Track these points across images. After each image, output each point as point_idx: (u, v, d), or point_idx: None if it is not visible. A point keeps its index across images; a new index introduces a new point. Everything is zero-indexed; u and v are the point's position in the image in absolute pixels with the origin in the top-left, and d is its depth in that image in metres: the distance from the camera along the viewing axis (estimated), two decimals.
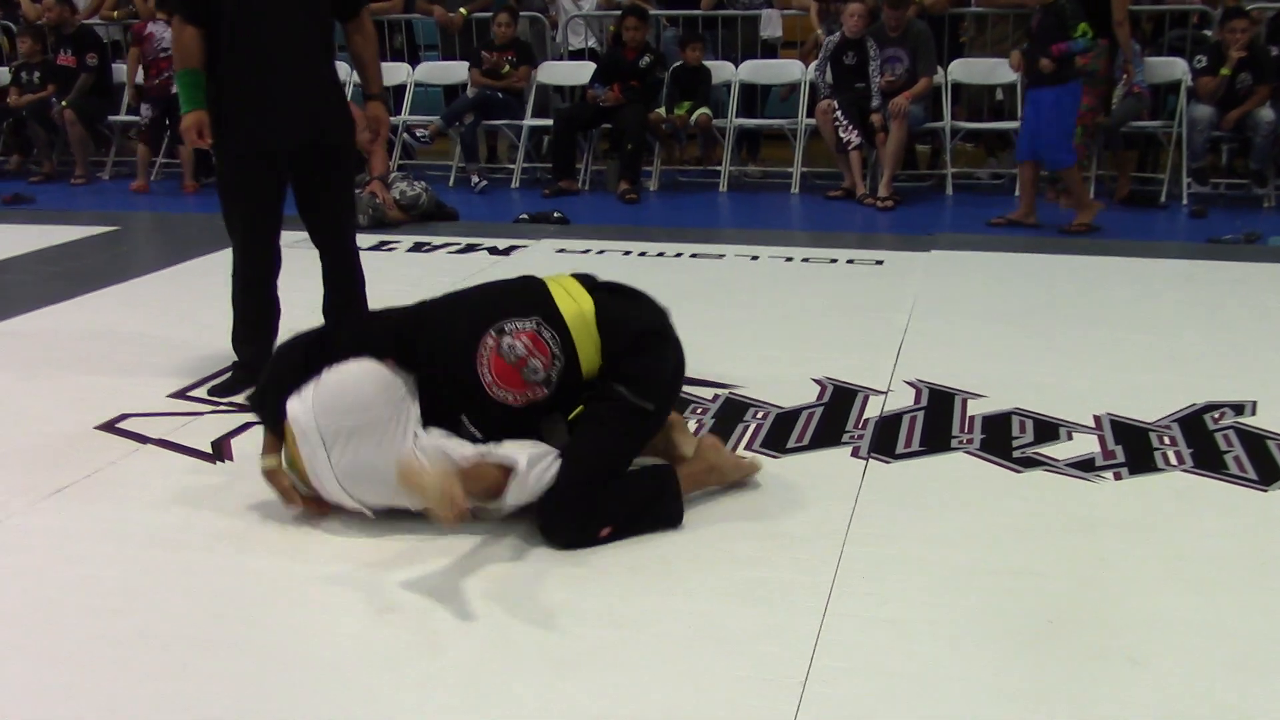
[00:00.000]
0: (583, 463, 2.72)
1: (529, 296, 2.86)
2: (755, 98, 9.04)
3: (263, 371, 3.00)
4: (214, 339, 4.01)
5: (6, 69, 9.69)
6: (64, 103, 9.02)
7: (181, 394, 3.83)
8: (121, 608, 2.46)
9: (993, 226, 6.67)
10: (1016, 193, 7.03)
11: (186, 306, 5.01)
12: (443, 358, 2.79)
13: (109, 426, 3.53)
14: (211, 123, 3.59)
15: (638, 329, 2.90)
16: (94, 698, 2.14)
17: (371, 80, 3.87)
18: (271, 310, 3.86)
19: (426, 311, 2.95)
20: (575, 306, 2.83)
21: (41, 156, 9.47)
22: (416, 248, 6.25)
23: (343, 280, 3.90)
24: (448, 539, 2.72)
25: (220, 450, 3.35)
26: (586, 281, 2.95)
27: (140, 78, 9.03)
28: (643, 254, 6.01)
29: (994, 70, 8.11)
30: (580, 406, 2.80)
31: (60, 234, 6.76)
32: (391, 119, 9.01)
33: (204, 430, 3.49)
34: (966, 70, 8.19)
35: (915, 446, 3.31)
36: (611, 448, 2.81)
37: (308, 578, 2.59)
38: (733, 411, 3.59)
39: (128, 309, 5.09)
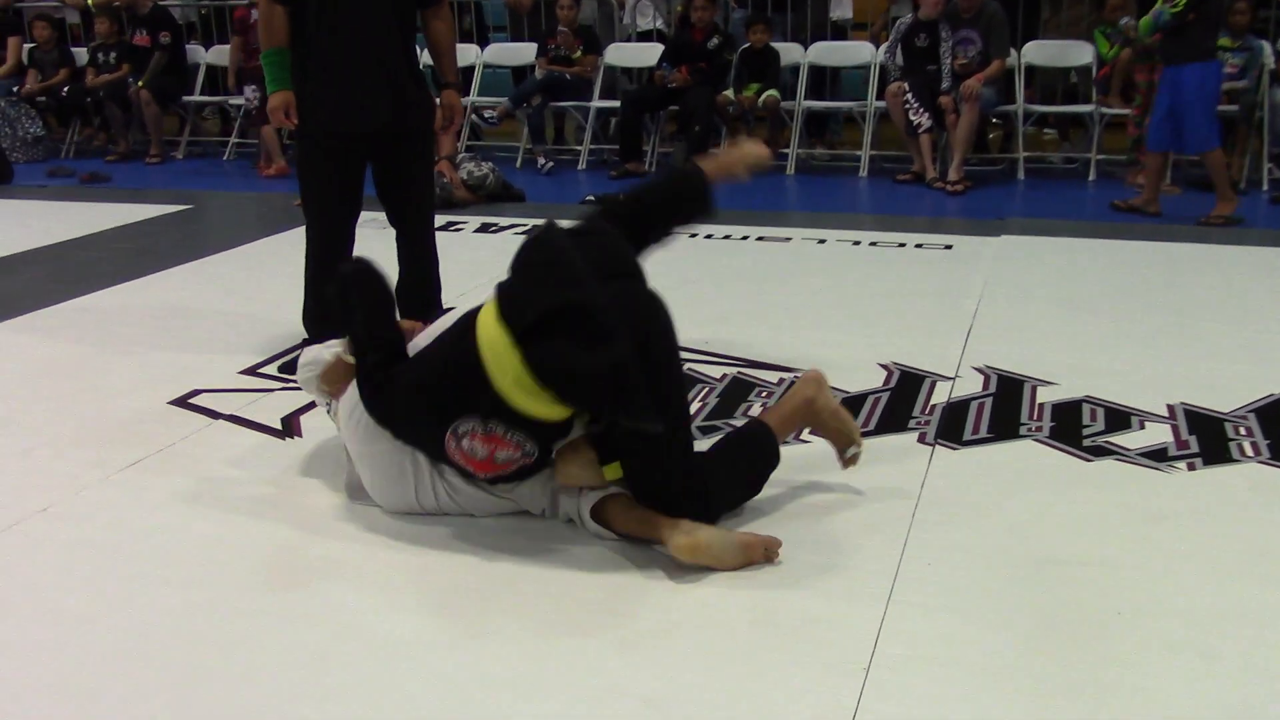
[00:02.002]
0: (653, 494, 2.60)
1: (466, 382, 2.47)
2: (824, 80, 8.96)
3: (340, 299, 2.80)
4: (285, 316, 4.06)
5: (84, 50, 9.86)
6: (139, 83, 9.17)
7: (253, 370, 3.89)
8: (193, 580, 2.50)
9: (1115, 210, 6.53)
10: (1137, 180, 6.84)
11: (258, 284, 5.08)
12: (421, 448, 2.68)
13: (182, 402, 3.59)
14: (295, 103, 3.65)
15: (573, 368, 2.40)
16: (168, 669, 2.18)
17: (448, 68, 3.89)
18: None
19: (394, 399, 2.64)
20: (509, 378, 2.41)
21: (117, 136, 9.63)
22: (483, 228, 6.28)
23: (418, 263, 3.93)
24: (504, 522, 2.74)
25: (290, 427, 3.39)
26: (512, 315, 2.49)
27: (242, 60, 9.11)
28: (708, 236, 5.99)
29: (1069, 52, 7.97)
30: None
31: (135, 212, 6.88)
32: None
33: (274, 407, 3.53)
34: (1041, 52, 8.05)
35: (983, 433, 3.27)
36: (660, 470, 2.58)
37: (371, 556, 2.61)
38: None
39: (201, 286, 5.17)
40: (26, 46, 9.91)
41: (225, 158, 9.44)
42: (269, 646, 2.24)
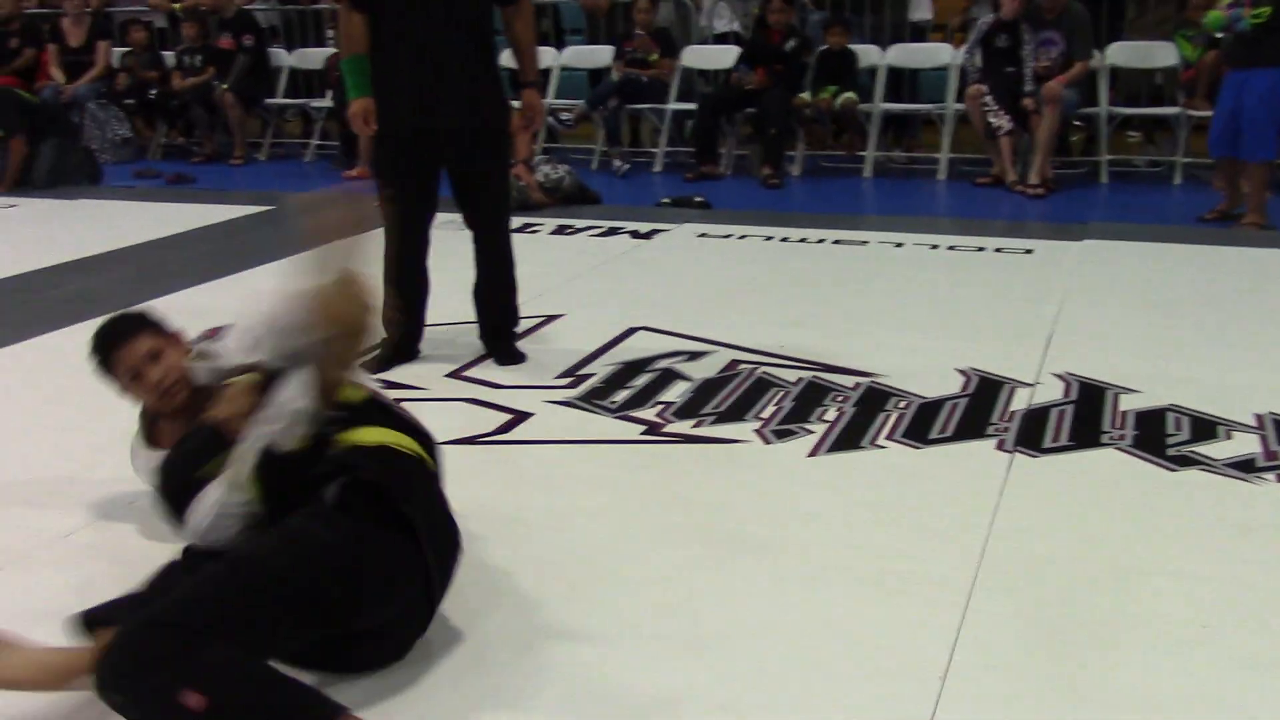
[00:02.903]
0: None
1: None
2: (902, 82, 8.88)
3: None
4: None
5: (171, 53, 10.07)
6: (224, 85, 9.35)
7: None
8: None
9: (1205, 222, 6.38)
10: (1216, 184, 6.69)
11: None
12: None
13: None
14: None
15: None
16: None
17: (528, 67, 3.91)
18: (421, 290, 3.95)
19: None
20: None
21: (202, 138, 9.82)
22: (559, 230, 6.31)
23: (495, 264, 3.96)
24: (579, 522, 2.75)
25: None
26: None
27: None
28: (784, 239, 5.97)
29: (1154, 53, 7.82)
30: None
31: (219, 213, 7.01)
32: None
33: None
34: (1125, 53, 7.91)
35: (1063, 441, 3.21)
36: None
37: None
38: (874, 400, 3.54)
39: (283, 286, 5.24)
40: (118, 50, 10.14)
41: (306, 159, 9.58)
42: None
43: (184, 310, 4.72)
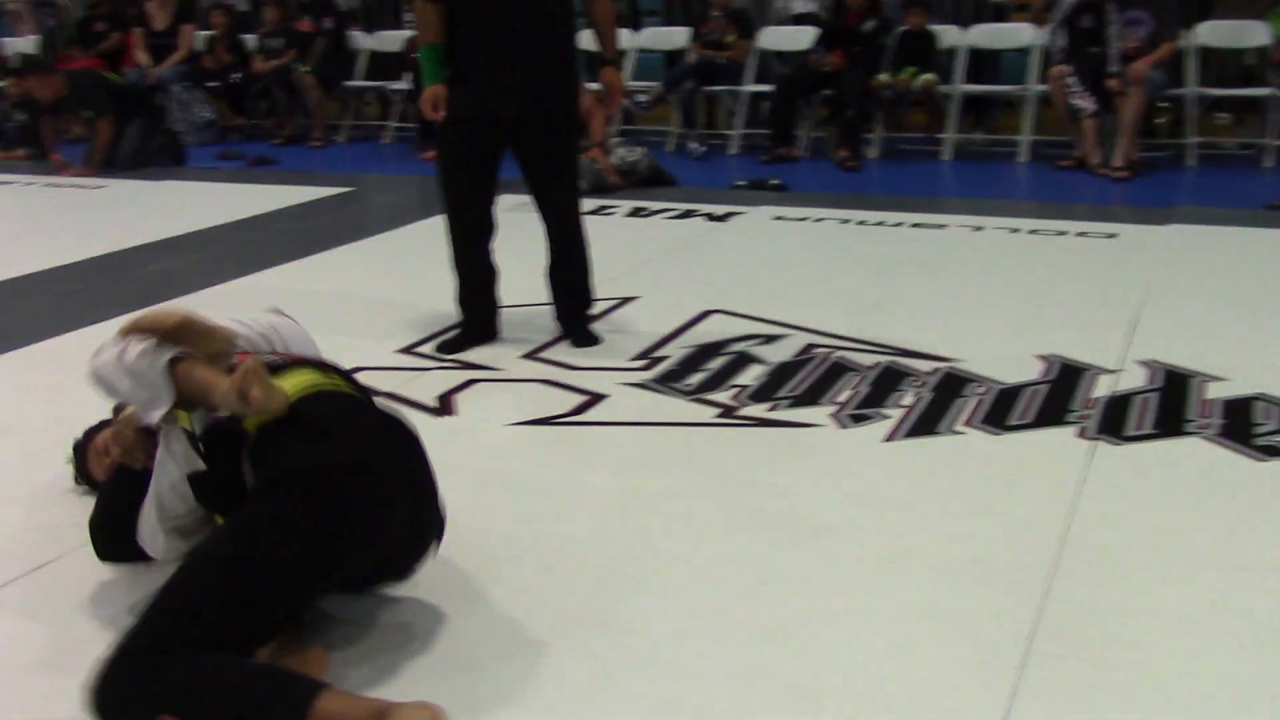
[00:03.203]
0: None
1: None
2: (983, 63, 8.75)
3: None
4: (442, 297, 4.14)
5: (253, 36, 10.21)
6: (304, 68, 9.46)
7: (409, 349, 3.98)
8: None
9: (1274, 209, 6.19)
10: None
11: (416, 265, 5.19)
12: None
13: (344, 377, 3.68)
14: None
15: None
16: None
17: (607, 46, 3.91)
18: (489, 273, 3.99)
19: None
20: None
21: (283, 119, 9.95)
22: (635, 213, 6.31)
23: (566, 246, 3.97)
24: (652, 504, 2.75)
25: (446, 405, 3.46)
26: None
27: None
28: (861, 222, 5.91)
29: (1245, 33, 7.62)
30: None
31: (299, 194, 7.10)
32: None
33: (431, 385, 3.61)
34: (1215, 33, 7.71)
35: (1147, 429, 3.15)
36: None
37: (524, 531, 2.65)
38: (952, 386, 3.50)
39: (361, 267, 5.31)
40: (201, 34, 10.31)
41: (385, 141, 9.67)
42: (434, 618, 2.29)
43: (264, 290, 4.83)
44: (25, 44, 10.90)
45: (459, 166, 3.84)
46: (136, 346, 2.18)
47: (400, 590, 2.36)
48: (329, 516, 2.01)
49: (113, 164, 8.14)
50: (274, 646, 2.01)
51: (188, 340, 2.22)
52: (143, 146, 8.34)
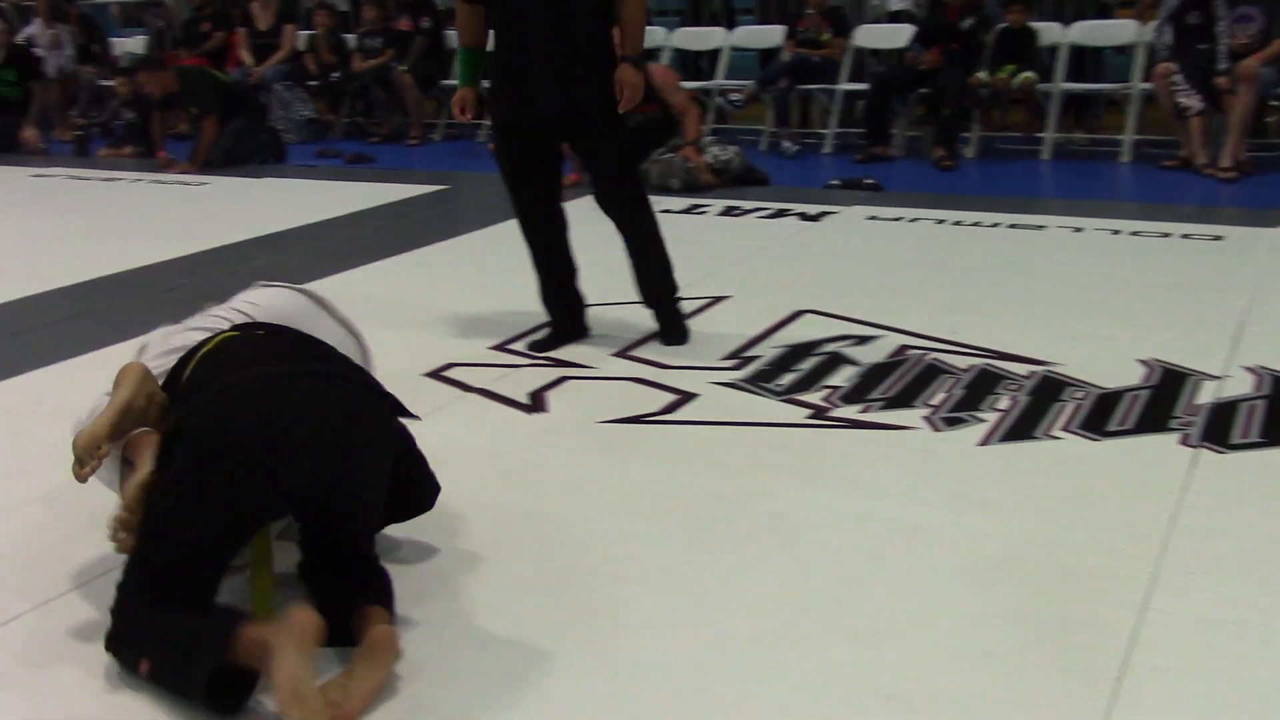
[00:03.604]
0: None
1: None
2: (1085, 60, 8.58)
3: None
4: (534, 295, 4.16)
5: (353, 36, 10.38)
6: (402, 67, 9.59)
7: (502, 346, 4.01)
8: (443, 549, 2.59)
9: None
10: None
11: (509, 263, 5.22)
12: None
13: (436, 374, 3.74)
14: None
15: None
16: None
17: (624, 41, 3.79)
18: (565, 271, 4.02)
19: None
20: None
21: (381, 118, 10.10)
22: (727, 211, 6.29)
23: (636, 242, 3.95)
24: (741, 504, 2.74)
25: (537, 402, 3.49)
26: None
27: None
28: (957, 223, 5.83)
29: None
30: None
31: (396, 191, 7.21)
32: (705, 83, 9.19)
33: (523, 382, 3.64)
34: None
35: (1253, 437, 3.06)
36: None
37: (612, 528, 2.66)
38: (1049, 390, 3.43)
39: (455, 264, 5.37)
40: (303, 34, 10.50)
41: (480, 140, 9.76)
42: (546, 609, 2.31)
43: (362, 285, 4.91)
44: (134, 44, 11.20)
45: (509, 169, 3.89)
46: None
47: (490, 581, 2.39)
48: (191, 470, 2.10)
49: (216, 161, 8.33)
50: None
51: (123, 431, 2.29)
52: (245, 144, 8.53)
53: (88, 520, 2.59)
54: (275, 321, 2.54)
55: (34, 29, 10.74)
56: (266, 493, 2.14)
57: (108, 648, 2.12)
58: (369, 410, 2.28)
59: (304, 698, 1.86)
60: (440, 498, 2.61)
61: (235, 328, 2.48)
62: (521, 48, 3.70)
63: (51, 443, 2.82)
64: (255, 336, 2.43)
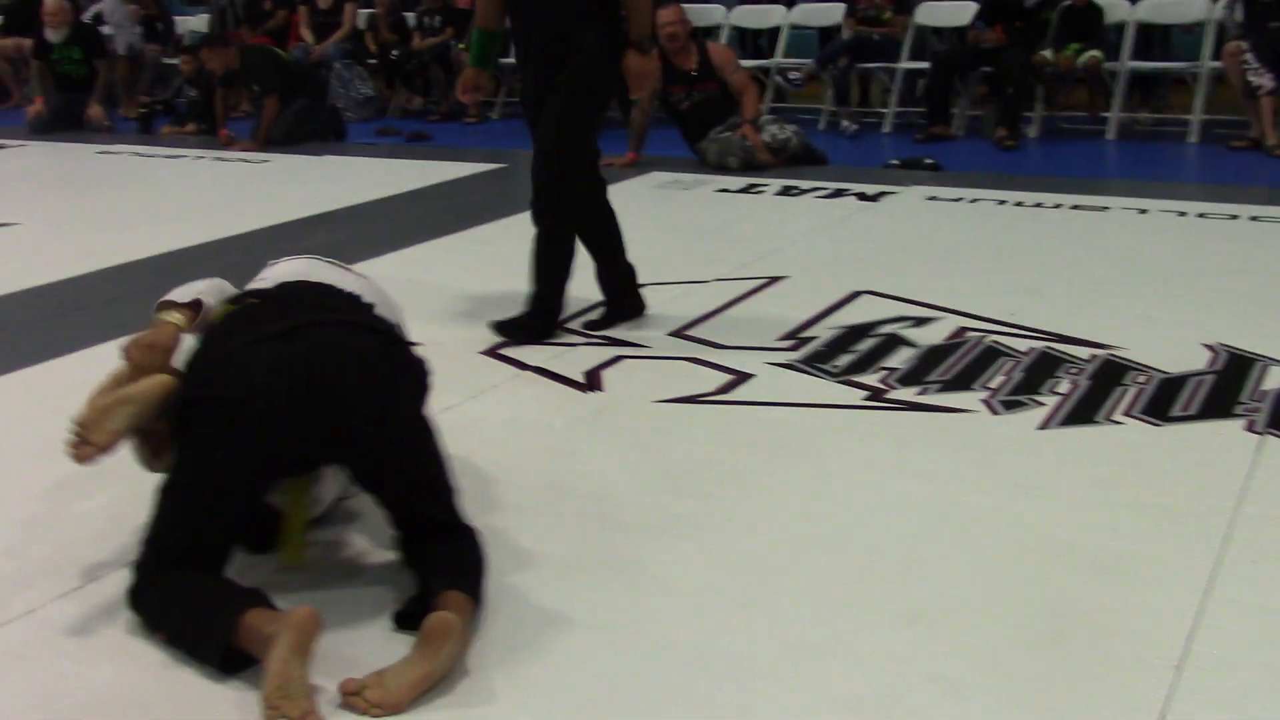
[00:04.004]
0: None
1: None
2: (1152, 38, 8.42)
3: None
4: (591, 274, 4.16)
5: (412, 14, 10.41)
6: (461, 45, 9.61)
7: (559, 325, 4.01)
8: (495, 526, 2.60)
9: None
10: None
11: None
12: None
13: (492, 352, 3.75)
14: None
15: None
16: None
17: (630, 26, 3.71)
18: (609, 248, 4.00)
19: None
20: None
21: (439, 97, 10.14)
22: (785, 191, 6.25)
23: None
24: (796, 486, 2.73)
25: (593, 380, 3.49)
26: None
27: None
28: (1018, 204, 5.76)
29: None
30: None
31: (454, 170, 7.24)
32: (764, 62, 9.13)
33: (579, 361, 3.64)
34: None
35: None
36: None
37: (668, 506, 2.66)
38: (1111, 374, 3.38)
39: (512, 241, 5.35)
40: (363, 12, 10.55)
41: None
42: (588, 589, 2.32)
43: (418, 263, 4.94)
44: (197, 22, 11.31)
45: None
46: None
47: (543, 560, 2.40)
48: (197, 440, 2.18)
49: (277, 139, 8.40)
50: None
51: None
52: (306, 123, 8.59)
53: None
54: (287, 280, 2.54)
55: (104, 5, 10.88)
56: (275, 447, 2.16)
57: (129, 604, 2.18)
58: (374, 351, 2.29)
59: (289, 694, 1.89)
60: (494, 475, 2.63)
61: (235, 299, 2.48)
62: (521, 35, 3.72)
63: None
64: (256, 304, 2.43)
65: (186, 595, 2.12)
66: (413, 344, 2.44)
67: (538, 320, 3.85)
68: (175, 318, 2.41)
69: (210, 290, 2.51)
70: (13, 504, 2.75)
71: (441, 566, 2.19)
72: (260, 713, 1.91)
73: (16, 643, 2.18)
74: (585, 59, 3.63)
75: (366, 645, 2.11)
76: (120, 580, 2.30)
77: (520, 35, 3.77)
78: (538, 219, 3.84)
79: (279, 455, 2.18)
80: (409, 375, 2.34)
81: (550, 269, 3.85)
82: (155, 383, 2.27)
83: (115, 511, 2.65)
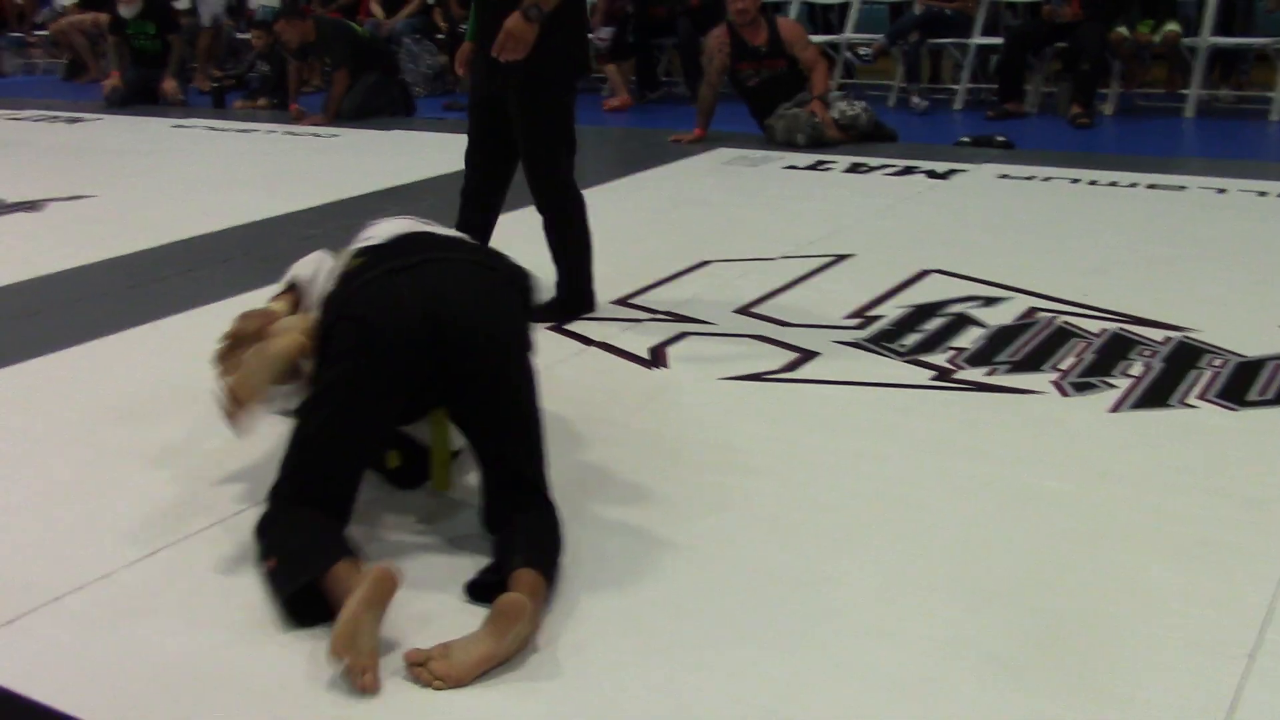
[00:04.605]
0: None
1: None
2: (1234, 13, 8.22)
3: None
4: (650, 250, 4.17)
5: None
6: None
7: (624, 301, 4.02)
8: (570, 502, 2.61)
9: None
10: None
11: (625, 219, 5.24)
12: None
13: (556, 327, 3.76)
14: None
15: None
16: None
17: None
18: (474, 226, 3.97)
19: None
20: None
21: None
22: (853, 168, 6.20)
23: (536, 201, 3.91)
24: (863, 466, 2.71)
25: (657, 356, 3.49)
26: None
27: None
28: (1092, 182, 5.66)
29: None
30: None
31: None
32: (834, 37, 9.04)
33: (643, 337, 3.64)
34: None
35: None
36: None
37: (729, 483, 2.66)
38: (1185, 356, 3.32)
39: None
40: None
41: (604, 94, 9.76)
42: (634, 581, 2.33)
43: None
44: None
45: (469, 128, 3.92)
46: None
47: (606, 537, 2.41)
48: (336, 358, 2.29)
49: (347, 114, 8.46)
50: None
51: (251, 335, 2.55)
52: (377, 98, 8.64)
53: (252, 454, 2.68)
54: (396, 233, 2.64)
55: None
56: (405, 367, 2.26)
57: (255, 531, 2.27)
58: (495, 289, 2.42)
59: (356, 645, 1.93)
60: (556, 450, 2.62)
61: (360, 252, 2.55)
62: (477, 24, 3.69)
63: (191, 381, 2.99)
64: (384, 246, 2.53)
65: (302, 530, 2.21)
66: (528, 285, 2.56)
67: (572, 300, 3.86)
68: (275, 306, 2.64)
69: (306, 264, 2.74)
70: (92, 471, 2.82)
71: (521, 543, 2.21)
72: (326, 658, 1.96)
73: (90, 607, 2.24)
74: (545, 60, 3.59)
75: (440, 611, 2.14)
76: (192, 547, 2.34)
77: (480, 10, 3.70)
78: (542, 210, 3.86)
79: (408, 375, 2.29)
80: (523, 319, 2.48)
81: (569, 250, 3.87)
82: (291, 339, 2.42)
83: (191, 485, 2.71)
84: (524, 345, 2.43)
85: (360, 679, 1.92)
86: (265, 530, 2.25)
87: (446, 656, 1.97)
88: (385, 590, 2.00)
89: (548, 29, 3.50)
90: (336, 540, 2.19)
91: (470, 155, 4.03)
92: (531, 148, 3.83)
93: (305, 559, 2.14)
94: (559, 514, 2.31)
